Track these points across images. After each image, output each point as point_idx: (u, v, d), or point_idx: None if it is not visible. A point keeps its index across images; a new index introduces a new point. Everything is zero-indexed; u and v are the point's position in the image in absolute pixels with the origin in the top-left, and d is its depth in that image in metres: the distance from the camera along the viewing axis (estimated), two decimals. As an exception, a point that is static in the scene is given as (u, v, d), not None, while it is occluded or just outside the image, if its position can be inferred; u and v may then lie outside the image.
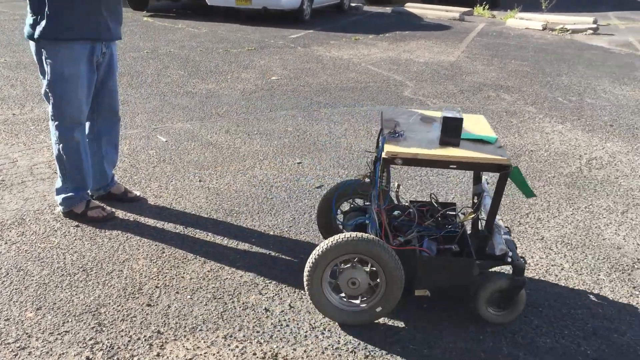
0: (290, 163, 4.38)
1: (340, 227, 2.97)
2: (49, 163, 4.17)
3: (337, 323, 2.47)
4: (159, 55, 8.08)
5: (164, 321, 2.47)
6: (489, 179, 3.29)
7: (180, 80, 6.82)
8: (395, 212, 2.62)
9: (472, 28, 12.29)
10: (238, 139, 4.86)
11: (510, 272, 2.45)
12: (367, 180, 2.83)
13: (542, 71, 8.14)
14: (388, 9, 14.66)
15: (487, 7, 14.63)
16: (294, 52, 8.80)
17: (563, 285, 2.88)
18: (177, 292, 2.68)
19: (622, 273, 3.00)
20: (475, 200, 2.69)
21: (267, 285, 2.76)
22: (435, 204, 2.73)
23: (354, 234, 2.34)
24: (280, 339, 2.39)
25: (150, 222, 3.35)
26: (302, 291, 2.72)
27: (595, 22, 13.10)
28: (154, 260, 2.93)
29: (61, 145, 3.23)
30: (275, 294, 2.69)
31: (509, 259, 2.44)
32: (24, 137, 4.68)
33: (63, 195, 3.33)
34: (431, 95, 6.57)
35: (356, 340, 2.39)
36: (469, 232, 2.68)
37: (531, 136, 5.27)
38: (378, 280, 2.38)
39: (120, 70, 6.92)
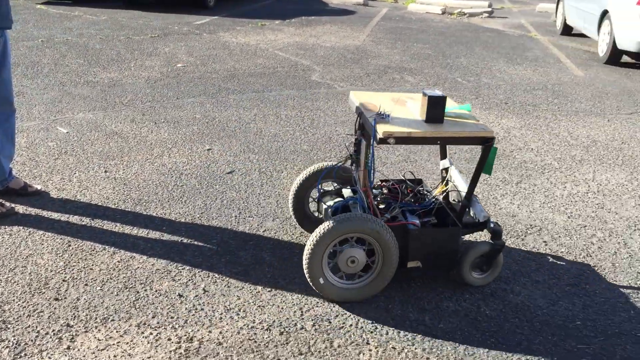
0: (200, 150, 4.34)
1: (315, 212, 3.05)
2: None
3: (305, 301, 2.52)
4: (55, 44, 7.71)
5: (74, 314, 2.41)
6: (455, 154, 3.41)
7: (80, 70, 6.56)
8: (376, 191, 2.72)
9: (376, 13, 12.56)
10: (144, 128, 4.76)
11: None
12: (348, 163, 2.89)
13: (443, 53, 8.47)
14: (293, -6, 14.68)
15: (389, -8, 14.98)
16: (200, 39, 8.66)
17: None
18: (86, 284, 2.62)
19: (517, 239, 3.23)
20: (444, 174, 2.87)
21: (180, 272, 2.75)
22: (407, 181, 2.88)
23: (356, 214, 2.45)
24: (195, 323, 2.40)
25: (54, 215, 3.23)
26: (215, 275, 2.73)
27: (490, 5, 13.74)
28: (60, 254, 2.84)
29: (-49, 139, 3.05)
30: (189, 280, 2.69)
31: (491, 225, 2.63)
32: None
33: (-44, 193, 3.15)
34: (338, 79, 6.69)
35: (270, 318, 2.44)
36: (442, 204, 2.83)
37: (433, 115, 5.49)
38: (374, 257, 2.49)
39: (14, 60, 6.56)
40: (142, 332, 2.32)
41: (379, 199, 2.79)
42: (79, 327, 2.34)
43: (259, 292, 2.63)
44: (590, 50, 9.00)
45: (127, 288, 2.61)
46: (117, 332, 2.32)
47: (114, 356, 2.18)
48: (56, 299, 2.50)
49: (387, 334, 2.39)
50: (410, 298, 2.64)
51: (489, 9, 13.33)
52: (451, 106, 2.68)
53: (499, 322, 2.50)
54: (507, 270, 2.90)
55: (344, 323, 2.44)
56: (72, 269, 2.72)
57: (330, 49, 8.37)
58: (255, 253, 2.95)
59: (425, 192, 2.90)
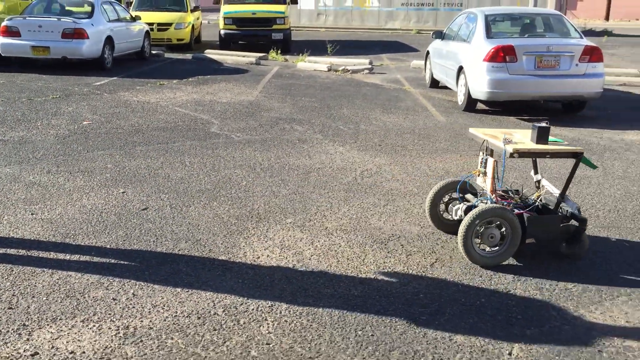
0: (115, 193, 4.96)
1: (445, 214, 4.37)
2: None
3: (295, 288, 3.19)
4: (-41, 106, 7.99)
5: (27, 317, 2.98)
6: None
7: (-12, 130, 6.93)
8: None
9: (268, 71, 13.62)
10: (61, 177, 5.30)
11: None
12: (479, 175, 4.21)
13: (327, 105, 9.55)
14: (189, 56, 15.50)
15: (280, 52, 16.18)
16: (101, 98, 9.21)
17: (340, 257, 3.90)
18: (33, 297, 3.18)
19: (381, 244, 4.13)
20: (537, 184, 4.22)
21: (112, 283, 3.38)
22: (510, 190, 4.24)
23: (498, 204, 3.84)
24: (129, 316, 3.04)
25: (-8, 250, 3.74)
26: (141, 283, 3.38)
27: (370, 63, 15.23)
28: (6, 277, 3.38)
29: None
30: (120, 288, 3.33)
31: (578, 214, 3.91)
32: None
33: None
34: (235, 130, 7.51)
35: (189, 309, 3.13)
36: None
37: (319, 157, 6.42)
38: (505, 233, 3.78)
39: None
40: (87, 325, 2.94)
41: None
42: (34, 325, 2.91)
43: (178, 292, 3.31)
44: (452, 99, 10.44)
45: (68, 297, 3.20)
46: (65, 326, 2.92)
47: (67, 342, 2.78)
48: (10, 308, 3.06)
49: (280, 312, 3.15)
50: (295, 286, 3.42)
51: (370, 66, 14.78)
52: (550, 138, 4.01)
53: (365, 299, 3.34)
54: (372, 266, 3.77)
55: (247, 307, 3.18)
56: (19, 287, 3.28)
57: (227, 104, 9.21)
58: (173, 266, 3.63)
59: (527, 197, 4.17)
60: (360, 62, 15.17)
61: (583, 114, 9.31)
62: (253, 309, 3.17)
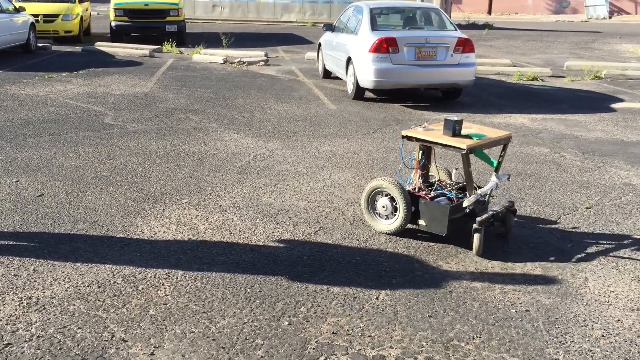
0: (8, 182, 5.01)
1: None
2: None
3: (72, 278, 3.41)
4: None
5: None
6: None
7: None
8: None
9: (162, 63, 13.60)
10: (-51, 169, 5.26)
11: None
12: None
13: (223, 96, 9.81)
14: (78, 48, 15.12)
15: (174, 44, 16.13)
16: (-14, 92, 8.93)
17: (232, 230, 4.25)
18: None
19: (270, 217, 4.52)
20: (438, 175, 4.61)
21: (12, 262, 3.54)
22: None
23: (388, 179, 4.27)
24: (31, 289, 3.24)
25: None
26: (41, 260, 3.56)
27: (266, 55, 15.55)
28: None
29: None
30: (20, 265, 3.50)
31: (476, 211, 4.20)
32: None
33: None
34: (130, 121, 7.61)
35: (90, 279, 3.36)
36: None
37: (214, 144, 6.71)
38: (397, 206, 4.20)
39: None
40: (-11, 299, 3.10)
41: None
42: None
43: (78, 267, 3.53)
44: (343, 89, 11.01)
45: (-32, 276, 3.33)
46: None
47: None
48: None
49: (177, 278, 3.46)
50: (190, 255, 3.73)
51: (265, 58, 15.11)
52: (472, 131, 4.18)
53: (254, 263, 3.71)
54: (264, 237, 4.15)
55: (145, 276, 3.46)
56: None
57: (120, 96, 9.23)
58: (72, 245, 3.83)
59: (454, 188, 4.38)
60: (256, 54, 15.46)
61: (460, 100, 10.17)
62: (151, 277, 3.46)
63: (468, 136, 4.09)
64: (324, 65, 12.40)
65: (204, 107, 8.77)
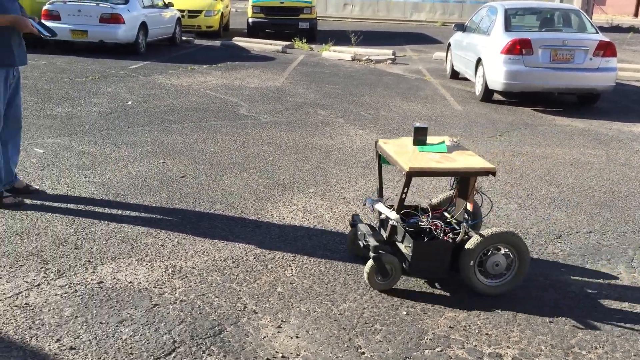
0: (156, 163, 5.53)
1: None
2: (-56, 171, 4.89)
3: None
4: (9, 84, 8.64)
5: (91, 255, 3.56)
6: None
7: (36, 106, 7.57)
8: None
9: (294, 59, 14.13)
10: (107, 148, 5.89)
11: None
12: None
13: (350, 93, 10.04)
14: (217, 43, 16.08)
15: (305, 41, 16.67)
16: (137, 81, 9.82)
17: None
18: (94, 241, 3.76)
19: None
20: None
21: (159, 233, 3.94)
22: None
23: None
24: (175, 258, 3.60)
25: (55, 204, 4.34)
26: (184, 234, 3.94)
27: (394, 53, 15.64)
28: (69, 225, 3.97)
29: (-20, 148, 4.12)
30: (166, 237, 3.89)
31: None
32: None
33: (-20, 188, 4.20)
34: (263, 112, 8.05)
35: (225, 255, 3.67)
36: None
37: (340, 138, 6.93)
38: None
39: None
40: (141, 263, 3.50)
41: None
42: (97, 261, 3.49)
43: (215, 242, 3.87)
44: (470, 90, 10.85)
45: (123, 242, 3.77)
46: (123, 264, 3.49)
47: (125, 275, 3.35)
48: (76, 248, 3.64)
49: (302, 261, 3.69)
50: (315, 242, 3.95)
51: (393, 57, 15.20)
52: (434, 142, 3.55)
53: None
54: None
55: (274, 256, 3.72)
56: (82, 233, 3.86)
57: (254, 89, 9.76)
58: (210, 222, 4.19)
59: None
60: (383, 52, 15.59)
61: (597, 106, 9.67)
62: (279, 258, 3.72)
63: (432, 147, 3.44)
64: (452, 66, 12.27)
65: (332, 103, 9.04)
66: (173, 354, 2.71)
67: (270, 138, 6.73)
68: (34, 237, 3.78)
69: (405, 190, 3.27)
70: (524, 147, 6.91)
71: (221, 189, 4.93)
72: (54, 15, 12.33)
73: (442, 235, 3.38)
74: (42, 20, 12.21)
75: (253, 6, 17.75)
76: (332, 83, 10.90)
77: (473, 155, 3.46)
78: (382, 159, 3.65)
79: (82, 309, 3.02)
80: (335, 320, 3.06)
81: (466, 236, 3.38)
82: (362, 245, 3.52)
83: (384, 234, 3.53)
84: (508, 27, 9.65)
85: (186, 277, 3.40)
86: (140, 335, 2.83)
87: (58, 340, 2.76)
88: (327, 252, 3.86)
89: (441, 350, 2.86)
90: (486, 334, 3.03)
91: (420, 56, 16.56)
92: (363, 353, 2.80)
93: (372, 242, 3.34)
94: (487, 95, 9.78)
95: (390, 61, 14.83)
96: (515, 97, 9.96)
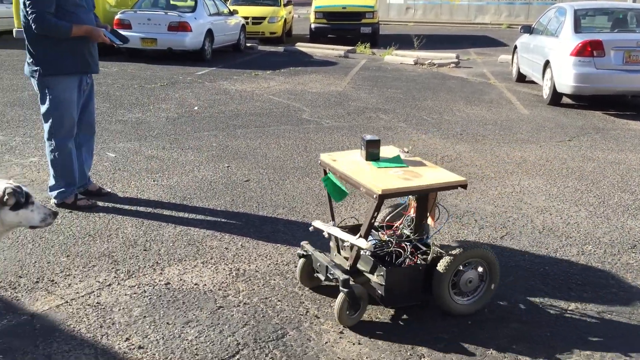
0: (221, 167, 5.65)
1: None
2: (23, 174, 5.17)
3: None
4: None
5: (159, 257, 3.67)
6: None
7: (109, 112, 7.88)
8: None
9: (356, 63, 14.14)
10: (174, 153, 6.06)
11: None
12: None
13: (412, 97, 9.95)
14: (280, 48, 16.29)
15: (367, 45, 16.65)
16: (203, 87, 10.06)
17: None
18: (162, 242, 3.88)
19: (456, 218, 4.56)
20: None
21: (223, 236, 4.02)
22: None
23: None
24: (239, 261, 3.66)
25: (126, 207, 4.50)
26: (248, 238, 4.00)
27: (457, 57, 15.41)
28: (138, 227, 4.11)
29: (57, 152, 4.33)
30: (230, 241, 3.97)
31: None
32: (-8, 158, 5.61)
33: (57, 191, 4.41)
34: (325, 117, 8.09)
35: (288, 259, 3.71)
36: None
37: (402, 144, 6.88)
38: None
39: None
40: (206, 266, 3.58)
41: None
42: (165, 263, 3.60)
43: (278, 246, 3.91)
44: (538, 94, 10.54)
45: (189, 244, 3.87)
46: (189, 266, 3.58)
47: (191, 277, 3.44)
48: (145, 250, 3.76)
49: (364, 267, 3.67)
50: (380, 250, 3.92)
51: (456, 60, 14.97)
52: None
53: (438, 262, 3.79)
54: (452, 234, 4.22)
55: (336, 261, 3.72)
56: (150, 235, 3.99)
57: (317, 94, 9.82)
58: (273, 226, 4.24)
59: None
60: (446, 56, 15.38)
61: (674, 110, 9.21)
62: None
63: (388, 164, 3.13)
64: (519, 69, 11.96)
65: (394, 107, 8.99)
66: (237, 356, 2.76)
67: (332, 142, 6.75)
68: (106, 238, 3.94)
69: (375, 215, 2.93)
70: (595, 152, 6.65)
71: (284, 193, 4.98)
72: (125, 24, 12.80)
73: (409, 258, 3.09)
74: (115, 29, 12.72)
75: (315, 12, 17.88)
76: (394, 87, 10.83)
77: (434, 167, 3.21)
78: (327, 181, 3.22)
79: (150, 309, 3.12)
80: (397, 328, 3.03)
81: (435, 255, 3.09)
82: (322, 277, 3.19)
83: (341, 262, 3.19)
84: (578, 29, 9.32)
85: (249, 280, 3.45)
86: (205, 336, 2.89)
87: (127, 339, 2.85)
88: (389, 258, 3.83)
89: (507, 362, 2.79)
90: (551, 346, 2.93)
91: (485, 59, 16.23)
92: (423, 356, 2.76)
93: (341, 275, 2.99)
94: (556, 98, 9.48)
95: (453, 65, 14.61)
96: (586, 100, 9.60)
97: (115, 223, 4.18)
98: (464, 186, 3.05)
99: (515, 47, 12.23)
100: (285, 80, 11.03)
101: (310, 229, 3.46)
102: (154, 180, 5.15)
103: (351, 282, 2.98)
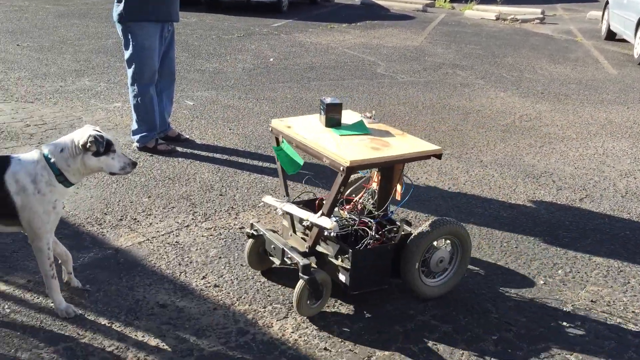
0: (295, 118, 5.69)
1: None
2: (108, 118, 5.39)
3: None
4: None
5: (234, 202, 3.78)
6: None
7: (188, 61, 8.04)
8: None
9: (434, 18, 13.73)
10: (250, 103, 6.15)
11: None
12: None
13: (492, 53, 9.60)
14: (357, 1, 16.00)
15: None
16: (279, 39, 10.07)
17: (492, 185, 4.29)
18: (237, 188, 3.99)
19: (533, 178, 4.43)
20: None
21: (296, 186, 4.09)
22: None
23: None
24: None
25: (203, 153, 4.63)
26: (324, 182, 4.05)
27: (542, 12, 14.67)
28: (215, 173, 4.23)
29: (139, 98, 4.48)
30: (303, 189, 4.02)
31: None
32: (79, 102, 5.87)
33: (139, 135, 4.59)
34: (400, 72, 7.95)
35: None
36: None
37: (479, 100, 6.69)
38: None
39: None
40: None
41: None
42: (240, 209, 3.71)
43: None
44: (628, 53, 9.93)
45: (263, 192, 3.96)
46: (262, 212, 3.67)
47: (264, 223, 3.53)
48: (221, 195, 3.88)
49: (435, 222, 3.64)
50: (449, 204, 3.88)
51: (541, 16, 14.26)
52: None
53: (513, 219, 3.72)
54: (522, 196, 4.11)
55: (406, 215, 3.72)
56: (226, 181, 4.11)
57: (392, 48, 9.64)
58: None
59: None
60: (531, 11, 14.68)
61: None
62: (412, 217, 3.71)
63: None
64: (609, 26, 11.30)
65: (472, 64, 8.72)
66: (307, 300, 2.82)
67: (407, 98, 6.65)
68: (184, 182, 4.08)
69: (341, 190, 2.61)
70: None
71: (356, 146, 4.97)
72: (204, -25, 12.89)
73: (375, 238, 2.73)
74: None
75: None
76: (473, 43, 10.48)
77: (402, 134, 2.87)
78: (280, 152, 2.88)
79: (225, 251, 3.23)
80: (462, 285, 3.02)
81: (404, 233, 2.78)
82: (277, 261, 2.85)
83: (297, 243, 2.84)
84: (678, -17, 8.65)
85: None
86: (277, 279, 2.98)
87: (204, 277, 2.98)
88: (461, 214, 3.79)
89: (581, 324, 2.73)
90: (632, 311, 2.84)
91: (572, 15, 15.40)
92: (495, 318, 2.74)
93: (301, 259, 2.63)
94: (648, 58, 8.92)
95: (538, 21, 13.94)
96: (682, 61, 8.98)
97: (193, 168, 4.32)
98: (438, 156, 2.70)
99: (607, 3, 11.52)
100: (361, 34, 10.88)
101: (260, 204, 3.15)
102: (229, 129, 5.26)
103: (312, 268, 2.63)
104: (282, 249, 2.74)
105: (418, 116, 5.95)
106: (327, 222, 2.60)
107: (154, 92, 4.56)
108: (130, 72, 4.47)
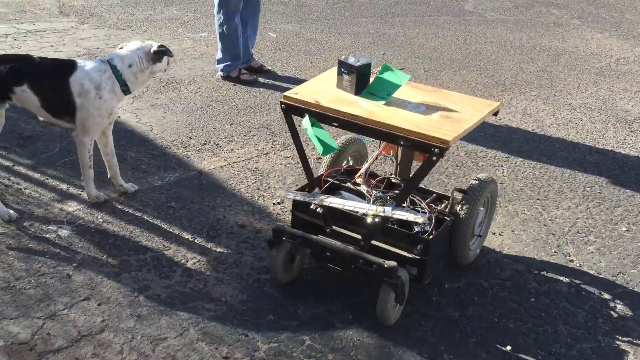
0: (377, 54, 5.62)
1: None
2: (194, 47, 5.52)
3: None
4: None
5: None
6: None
7: (272, -7, 8.01)
8: None
9: (530, -47, 12.90)
10: (332, 37, 6.11)
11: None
12: None
13: (591, -8, 8.98)
14: None
15: None
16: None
17: (579, 129, 4.11)
18: (316, 120, 4.03)
19: (625, 124, 4.21)
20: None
21: (374, 120, 4.08)
22: None
23: None
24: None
25: (284, 84, 4.69)
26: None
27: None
28: (295, 104, 4.28)
29: (225, 26, 4.55)
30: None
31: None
32: (167, 31, 6.02)
33: (223, 64, 4.68)
34: (489, 9, 7.61)
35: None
36: None
37: (573, 41, 6.33)
38: None
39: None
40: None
41: None
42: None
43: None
44: None
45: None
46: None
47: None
48: (299, 126, 3.94)
49: (515, 163, 3.56)
50: (532, 145, 3.77)
51: (650, -48, 13.10)
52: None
53: (598, 165, 3.58)
54: (612, 140, 3.92)
55: (486, 154, 3.64)
56: (305, 112, 4.15)
57: (483, -16, 9.18)
58: (425, 115, 4.21)
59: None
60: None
61: None
62: (491, 157, 3.64)
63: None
64: None
65: (568, 2, 8.20)
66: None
67: (495, 37, 6.38)
68: (265, 111, 4.17)
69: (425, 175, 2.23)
70: None
71: (438, 84, 4.87)
72: None
73: (433, 217, 2.37)
74: None
75: None
76: (572, -19, 9.81)
77: (440, 91, 2.49)
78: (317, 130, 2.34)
79: (302, 179, 3.31)
80: (544, 225, 2.97)
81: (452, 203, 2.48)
82: (339, 269, 2.33)
83: (342, 241, 2.38)
84: None
85: (397, 163, 3.51)
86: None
87: (280, 202, 3.08)
88: (544, 157, 3.69)
89: (661, 273, 2.65)
90: None
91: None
92: (572, 261, 2.70)
93: (385, 262, 2.21)
94: None
95: (646, -43, 12.80)
96: None
97: (274, 98, 4.39)
98: (496, 113, 2.40)
99: None
100: (450, -31, 10.40)
101: (278, 199, 2.75)
102: (311, 62, 5.27)
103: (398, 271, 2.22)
104: (352, 253, 2.29)
105: (505, 56, 5.72)
106: (417, 217, 2.23)
107: (239, 21, 4.60)
108: (216, 1, 4.52)
